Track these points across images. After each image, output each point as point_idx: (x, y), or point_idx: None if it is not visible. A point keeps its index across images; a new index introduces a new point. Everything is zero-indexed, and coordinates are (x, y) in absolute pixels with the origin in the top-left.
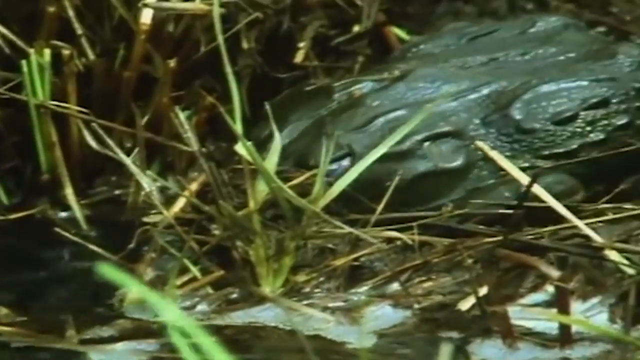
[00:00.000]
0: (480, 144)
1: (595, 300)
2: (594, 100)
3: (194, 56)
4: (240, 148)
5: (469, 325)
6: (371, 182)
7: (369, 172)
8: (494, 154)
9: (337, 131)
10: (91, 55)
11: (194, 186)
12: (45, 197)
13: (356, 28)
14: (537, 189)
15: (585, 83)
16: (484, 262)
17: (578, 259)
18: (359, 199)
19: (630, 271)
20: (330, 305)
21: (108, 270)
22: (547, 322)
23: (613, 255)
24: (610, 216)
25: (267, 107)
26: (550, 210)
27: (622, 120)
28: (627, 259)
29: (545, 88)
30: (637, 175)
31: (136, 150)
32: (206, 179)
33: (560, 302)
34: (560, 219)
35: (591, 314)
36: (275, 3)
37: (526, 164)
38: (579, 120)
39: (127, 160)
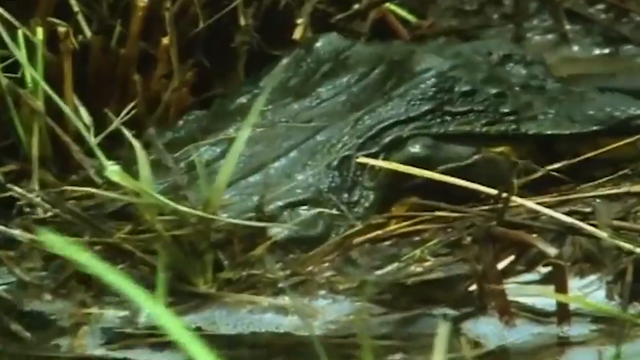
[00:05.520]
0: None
1: (592, 277)
2: None
3: (191, 33)
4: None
5: (464, 303)
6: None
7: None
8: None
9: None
10: (88, 33)
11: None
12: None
13: (356, 6)
14: None
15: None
16: (480, 240)
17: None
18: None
19: (628, 247)
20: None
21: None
22: (544, 299)
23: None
24: (608, 191)
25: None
26: None
27: None
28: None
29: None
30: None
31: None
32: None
33: (557, 280)
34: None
35: (588, 291)
36: None
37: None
38: None
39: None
